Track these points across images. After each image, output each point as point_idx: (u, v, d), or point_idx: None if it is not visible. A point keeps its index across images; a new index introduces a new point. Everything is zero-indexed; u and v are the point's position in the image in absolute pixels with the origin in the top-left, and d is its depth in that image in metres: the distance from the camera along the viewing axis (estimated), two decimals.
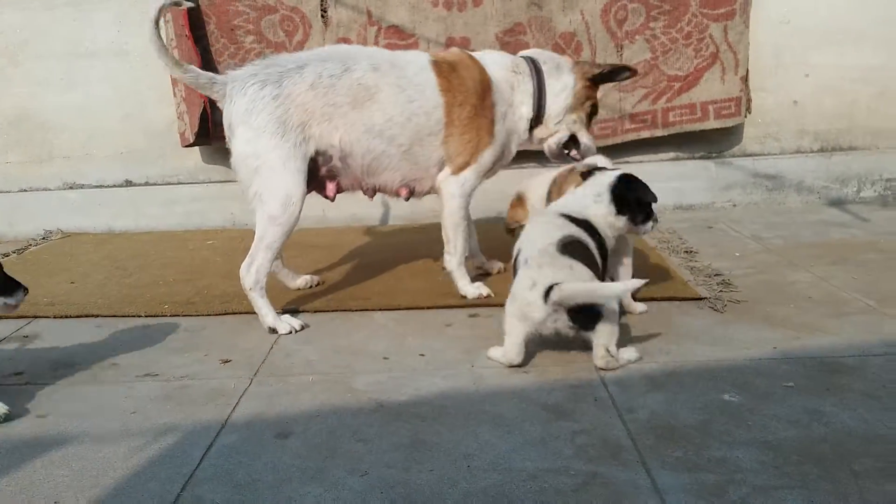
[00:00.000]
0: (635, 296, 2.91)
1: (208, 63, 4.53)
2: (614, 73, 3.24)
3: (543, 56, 3.25)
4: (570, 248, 2.44)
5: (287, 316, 2.91)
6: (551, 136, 3.24)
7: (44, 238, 4.75)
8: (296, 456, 1.95)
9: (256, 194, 2.84)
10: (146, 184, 4.91)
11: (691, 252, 3.77)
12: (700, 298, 3.00)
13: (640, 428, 2.00)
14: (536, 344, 2.62)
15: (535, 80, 3.16)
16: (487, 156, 3.07)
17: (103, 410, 2.28)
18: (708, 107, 4.58)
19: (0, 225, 4.90)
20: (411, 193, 3.14)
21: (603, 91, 3.49)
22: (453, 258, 3.14)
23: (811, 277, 3.25)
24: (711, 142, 4.75)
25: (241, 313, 3.05)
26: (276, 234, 2.85)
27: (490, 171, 3.21)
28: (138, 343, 2.85)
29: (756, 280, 3.26)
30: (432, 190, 3.15)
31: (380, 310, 3.08)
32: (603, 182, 2.69)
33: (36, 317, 3.18)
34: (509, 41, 4.54)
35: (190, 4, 3.09)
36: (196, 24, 4.51)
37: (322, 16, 4.54)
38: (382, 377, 2.42)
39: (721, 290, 3.09)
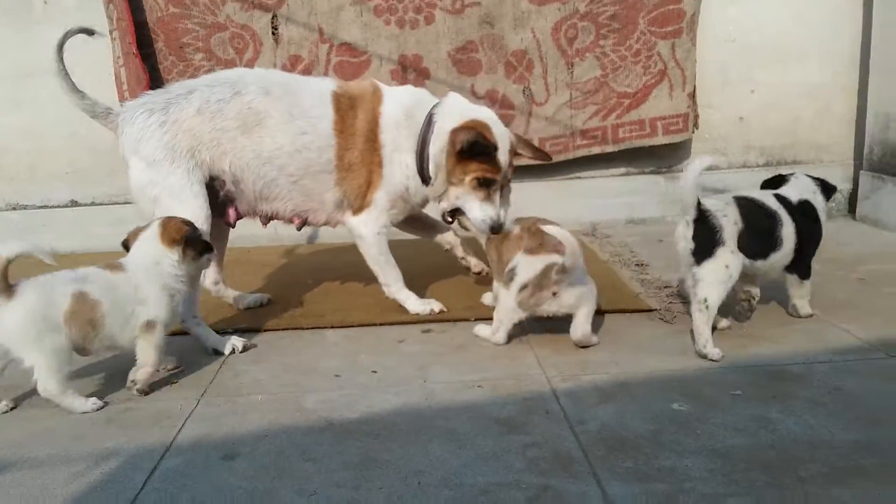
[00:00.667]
0: None
1: (157, 81, 4.46)
2: (481, 147, 2.79)
3: (444, 112, 2.91)
4: None
5: (234, 337, 2.85)
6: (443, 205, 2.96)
7: None
8: (242, 477, 1.91)
9: None
10: (92, 203, 4.81)
11: (642, 265, 3.81)
12: (650, 310, 3.03)
13: (590, 439, 2.00)
14: (489, 358, 2.62)
15: (422, 131, 2.90)
16: (381, 198, 2.96)
17: (45, 436, 2.20)
18: (656, 123, 4.66)
19: None
20: (304, 223, 3.07)
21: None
22: (390, 287, 3.12)
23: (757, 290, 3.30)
24: (661, 157, 4.83)
25: (188, 334, 2.98)
26: None
27: (400, 211, 3.04)
28: (83, 365, 2.76)
29: None
30: (329, 222, 3.08)
31: (332, 327, 3.04)
32: None
33: None
34: (461, 59, 4.57)
35: (100, 35, 3.00)
36: (144, 41, 4.45)
37: (273, 33, 4.51)
38: (334, 395, 2.38)
39: (671, 302, 3.13)
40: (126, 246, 2.54)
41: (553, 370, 2.48)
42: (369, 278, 3.43)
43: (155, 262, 2.45)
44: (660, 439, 1.99)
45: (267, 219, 3.04)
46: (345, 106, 2.92)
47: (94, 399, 2.37)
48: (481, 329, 2.81)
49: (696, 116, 4.71)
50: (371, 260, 3.07)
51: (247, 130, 2.80)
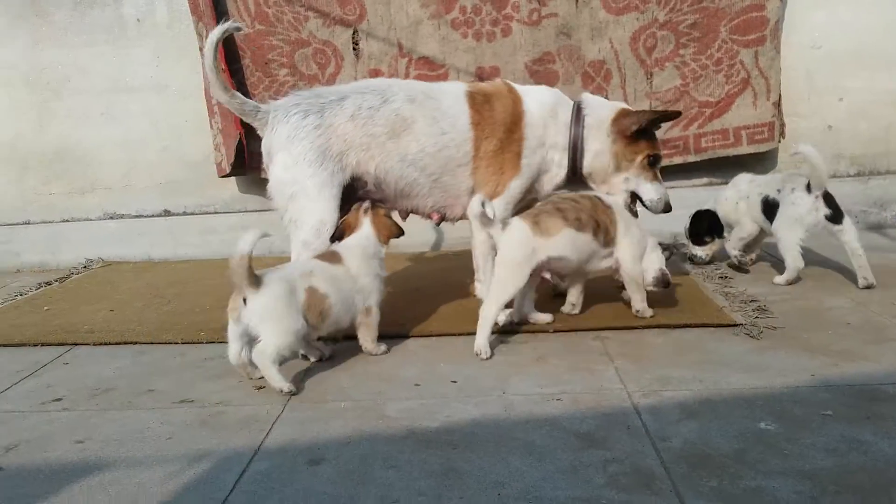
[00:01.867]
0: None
1: (244, 96, 4.61)
2: (656, 122, 3.22)
3: (592, 106, 3.21)
4: None
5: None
6: (611, 192, 3.24)
7: (85, 267, 4.88)
8: (327, 483, 1.96)
9: (291, 220, 2.94)
10: (184, 213, 5.02)
11: (726, 278, 3.73)
12: (735, 325, 2.96)
13: (673, 456, 1.97)
14: (568, 370, 2.61)
15: (571, 133, 3.17)
16: (514, 187, 3.10)
17: (140, 436, 2.32)
18: (741, 132, 4.55)
19: (43, 254, 5.04)
20: (443, 218, 3.22)
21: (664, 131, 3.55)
22: (484, 286, 3.15)
23: (849, 303, 3.19)
24: (745, 166, 4.68)
25: None
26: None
27: (522, 201, 3.20)
28: (175, 369, 2.89)
29: (793, 306, 3.21)
30: (465, 216, 3.15)
31: (412, 336, 3.09)
32: None
33: (76, 344, 3.25)
34: (538, 70, 4.58)
35: (244, 28, 3.23)
36: (232, 58, 4.63)
37: (354, 49, 4.62)
38: (414, 404, 2.42)
39: (757, 317, 3.05)
40: (339, 237, 2.89)
41: (633, 385, 2.46)
42: (449, 287, 3.47)
43: (371, 255, 2.84)
44: (745, 458, 1.95)
45: (406, 214, 3.22)
46: (479, 102, 3.08)
47: (289, 384, 2.53)
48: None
49: (783, 125, 4.59)
50: (481, 251, 3.16)
51: (394, 135, 2.98)
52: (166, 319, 3.52)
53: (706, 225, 3.99)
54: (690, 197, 4.71)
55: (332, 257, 2.79)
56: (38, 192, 5.09)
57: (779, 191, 3.58)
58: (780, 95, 4.54)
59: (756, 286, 3.54)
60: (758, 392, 2.35)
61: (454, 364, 2.76)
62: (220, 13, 4.59)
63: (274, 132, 2.94)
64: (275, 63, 4.67)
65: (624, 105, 3.30)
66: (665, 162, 4.57)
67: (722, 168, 4.69)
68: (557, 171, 3.22)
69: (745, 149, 4.56)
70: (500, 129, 3.06)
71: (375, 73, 4.64)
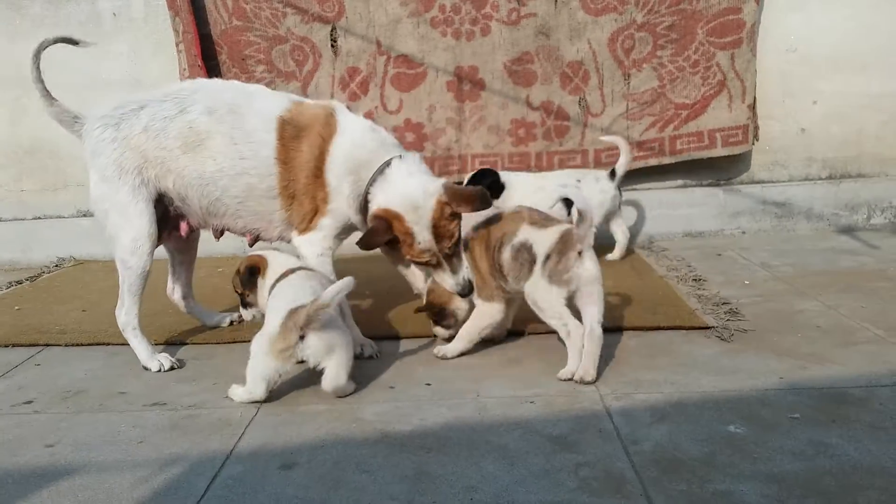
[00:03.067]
0: None
1: None
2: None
3: (386, 182, 2.78)
4: None
5: (163, 354, 2.94)
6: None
7: (57, 265, 4.83)
8: (300, 487, 1.96)
9: (110, 238, 2.87)
10: None
11: (699, 280, 3.76)
12: (707, 327, 3.00)
13: (644, 460, 1.99)
14: (542, 373, 2.63)
15: (362, 195, 2.82)
16: (326, 225, 2.87)
17: (111, 440, 2.30)
18: (715, 134, 4.60)
19: (14, 252, 4.97)
20: (257, 239, 3.05)
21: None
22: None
23: (819, 306, 3.24)
24: (719, 169, 4.77)
25: (250, 341, 3.07)
26: (130, 277, 2.87)
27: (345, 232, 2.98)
28: (147, 371, 2.87)
29: (764, 308, 3.25)
30: (283, 238, 3.01)
31: (388, 338, 3.09)
32: None
33: (47, 345, 3.22)
34: (517, 70, 4.59)
35: (88, 44, 3.04)
36: (208, 54, 4.59)
37: (332, 46, 4.61)
38: (389, 407, 2.43)
39: (728, 319, 3.08)
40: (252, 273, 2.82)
41: (606, 388, 2.48)
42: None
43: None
44: (714, 462, 1.97)
45: (219, 232, 3.04)
46: (289, 136, 2.80)
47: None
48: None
49: (756, 128, 4.64)
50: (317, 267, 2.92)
51: (188, 150, 2.79)
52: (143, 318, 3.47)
53: None
54: (665, 199, 4.78)
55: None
56: (10, 188, 5.02)
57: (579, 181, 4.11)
58: (754, 98, 4.58)
59: (728, 289, 3.57)
60: (728, 395, 2.38)
61: (429, 366, 2.76)
62: (197, 8, 4.56)
63: (84, 145, 2.87)
64: (252, 59, 4.64)
65: (396, 202, 2.75)
66: (640, 164, 4.65)
67: (696, 170, 4.75)
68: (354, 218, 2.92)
69: (719, 151, 4.61)
70: (303, 171, 2.81)
71: (353, 71, 4.63)
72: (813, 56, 4.63)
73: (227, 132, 2.79)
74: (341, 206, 2.85)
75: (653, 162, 4.65)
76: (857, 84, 4.65)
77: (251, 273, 2.78)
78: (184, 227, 3.01)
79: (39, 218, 5.03)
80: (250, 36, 4.61)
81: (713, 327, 2.99)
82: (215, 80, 3.07)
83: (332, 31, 4.59)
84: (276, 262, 2.79)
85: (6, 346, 3.23)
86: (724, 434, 2.12)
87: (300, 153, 2.81)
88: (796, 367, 2.59)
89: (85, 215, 5.01)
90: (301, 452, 2.14)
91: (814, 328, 2.99)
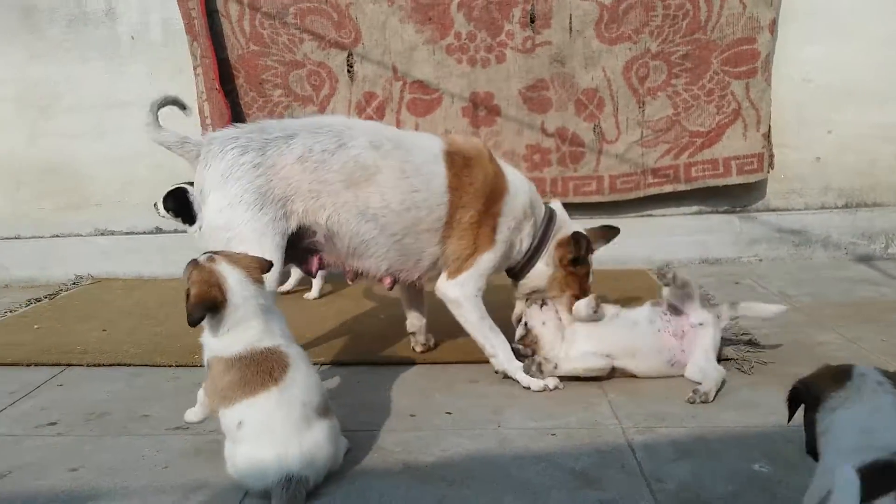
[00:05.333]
0: None
1: (238, 116, 4.65)
2: (591, 246, 3.07)
3: (562, 217, 3.12)
4: None
5: None
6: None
7: (74, 283, 4.85)
8: None
9: None
10: (175, 231, 4.97)
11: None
12: (726, 359, 3.00)
13: (668, 498, 2.00)
14: (562, 403, 2.63)
15: (537, 239, 3.01)
16: (486, 261, 2.85)
17: (135, 464, 2.31)
18: (730, 162, 4.62)
19: (32, 269, 5.01)
20: (395, 282, 2.92)
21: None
22: (497, 358, 2.88)
23: (839, 339, 3.24)
24: (735, 196, 4.78)
25: None
26: None
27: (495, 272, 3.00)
28: (169, 393, 2.88)
29: (784, 340, 3.24)
30: (419, 281, 2.96)
31: (406, 364, 3.10)
32: None
33: (69, 365, 3.24)
34: (532, 96, 4.62)
35: (187, 111, 2.79)
36: (226, 78, 4.64)
37: (348, 71, 4.65)
38: (409, 436, 2.43)
39: (748, 351, 3.08)
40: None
41: (628, 420, 2.48)
42: (442, 315, 3.49)
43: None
44: (738, 502, 1.97)
45: (354, 275, 2.87)
46: (458, 164, 2.79)
47: None
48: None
49: (772, 156, 4.65)
50: (470, 328, 2.88)
51: (352, 185, 2.63)
52: (159, 341, 3.51)
53: None
54: (681, 224, 4.79)
55: None
56: (29, 206, 5.07)
57: None
58: (769, 127, 4.60)
59: (747, 319, 3.55)
60: (750, 431, 2.38)
61: (449, 394, 2.77)
62: (215, 33, 4.61)
63: (207, 168, 2.57)
64: (269, 84, 4.69)
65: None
66: (655, 190, 4.67)
67: (712, 197, 4.76)
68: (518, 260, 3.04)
69: (734, 179, 4.62)
70: (479, 199, 2.80)
71: (370, 96, 4.67)
72: (828, 86, 4.65)
73: (397, 166, 2.68)
74: (507, 239, 2.90)
75: (668, 189, 4.66)
76: (871, 115, 4.67)
77: None
78: (314, 263, 2.78)
79: (58, 236, 5.06)
80: (267, 61, 4.66)
81: (733, 359, 2.99)
82: (354, 119, 3.04)
83: (348, 56, 4.64)
84: None
85: (28, 365, 3.25)
86: (749, 473, 2.12)
87: (472, 178, 2.80)
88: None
89: (102, 234, 5.06)
90: (325, 482, 2.14)
91: (834, 361, 2.96)
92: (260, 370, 2.07)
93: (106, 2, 4.85)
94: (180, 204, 3.98)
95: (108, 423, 2.64)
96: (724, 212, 4.81)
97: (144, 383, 3.01)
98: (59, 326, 3.84)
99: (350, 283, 2.98)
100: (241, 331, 2.11)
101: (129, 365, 3.23)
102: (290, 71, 4.68)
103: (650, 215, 4.79)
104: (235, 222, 2.53)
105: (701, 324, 2.86)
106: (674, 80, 4.58)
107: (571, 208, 4.65)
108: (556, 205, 3.17)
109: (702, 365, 2.78)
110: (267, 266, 2.24)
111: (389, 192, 2.67)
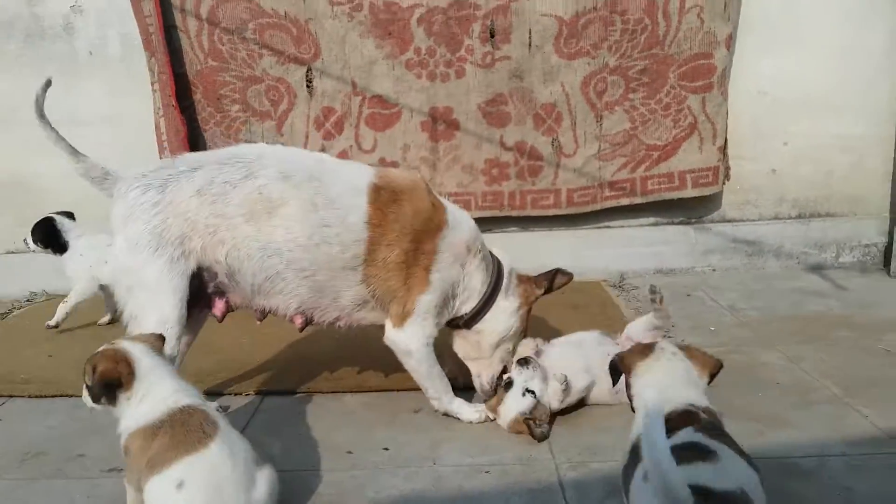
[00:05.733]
0: None
1: (195, 132, 4.62)
2: (554, 283, 2.96)
3: (507, 263, 2.91)
4: None
5: None
6: (482, 368, 2.90)
7: (28, 300, 4.81)
8: None
9: (131, 316, 2.53)
10: None
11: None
12: None
13: None
14: (500, 435, 2.65)
15: (492, 277, 2.82)
16: (424, 304, 2.66)
17: None
18: (686, 175, 4.64)
19: None
20: (308, 322, 2.75)
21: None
22: (441, 401, 2.80)
23: (782, 359, 3.27)
24: (690, 208, 4.81)
25: (217, 393, 3.08)
26: None
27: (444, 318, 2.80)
28: (108, 427, 2.82)
29: (728, 360, 3.12)
30: (338, 321, 2.76)
31: (350, 392, 3.10)
32: None
33: (11, 396, 3.21)
34: (491, 111, 4.62)
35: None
36: (184, 93, 4.60)
37: (307, 86, 4.62)
38: (344, 476, 2.44)
39: None
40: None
41: (562, 455, 2.50)
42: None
43: None
44: None
45: (263, 315, 2.75)
46: (384, 199, 2.62)
47: None
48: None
49: (728, 168, 4.68)
50: (419, 376, 2.77)
51: (253, 218, 2.51)
52: None
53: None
54: (637, 236, 4.82)
55: None
56: None
57: None
58: (725, 140, 4.63)
59: (694, 335, 3.60)
60: None
61: (389, 427, 2.78)
62: (173, 49, 4.56)
63: (114, 208, 2.53)
64: (227, 99, 4.65)
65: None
66: (612, 203, 4.69)
67: (668, 208, 4.79)
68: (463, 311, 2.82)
69: (689, 192, 4.65)
70: (406, 236, 2.62)
71: (328, 111, 4.64)
72: (784, 98, 4.68)
73: (308, 198, 2.53)
74: (447, 279, 2.70)
75: (624, 202, 4.69)
76: (827, 126, 4.70)
77: None
78: (220, 306, 2.69)
79: (12, 252, 5.01)
80: (226, 76, 4.62)
81: None
82: (279, 146, 2.84)
83: (307, 72, 4.60)
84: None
85: None
86: None
87: (400, 212, 2.62)
88: (754, 431, 2.61)
89: None
90: None
91: (773, 385, 3.02)
92: (190, 428, 2.02)
93: (63, 17, 4.79)
94: (47, 234, 4.02)
95: (43, 464, 2.61)
96: (680, 223, 4.85)
97: (85, 416, 2.94)
98: (5, 351, 3.80)
99: (258, 322, 2.83)
100: (157, 394, 2.09)
101: (73, 396, 3.17)
102: (248, 86, 4.64)
103: (607, 227, 4.81)
104: (135, 266, 2.48)
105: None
106: (631, 95, 4.59)
107: (530, 222, 4.72)
108: (496, 250, 2.95)
109: None
110: (162, 339, 2.29)
111: (296, 225, 2.53)
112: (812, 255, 4.80)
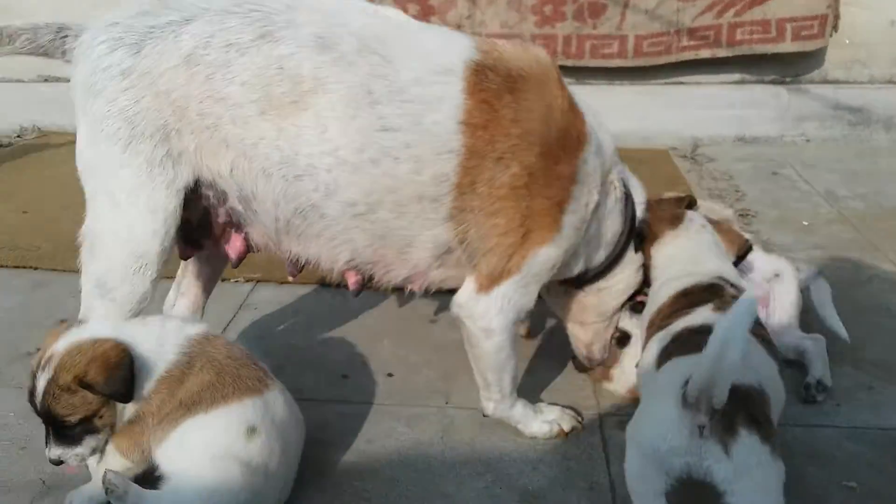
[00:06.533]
0: None
1: None
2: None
3: (639, 194, 1.99)
4: None
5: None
6: (595, 335, 2.04)
7: (19, 136, 4.36)
8: None
9: (84, 237, 1.72)
10: None
11: (747, 215, 3.13)
12: None
13: None
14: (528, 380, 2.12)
15: (627, 221, 1.93)
16: (541, 260, 1.73)
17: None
18: (785, 25, 3.78)
19: None
20: (364, 283, 1.86)
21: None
22: (499, 403, 1.87)
23: (894, 272, 2.62)
24: (785, 64, 4.00)
25: None
26: (104, 314, 1.69)
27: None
28: (69, 313, 2.38)
29: (827, 272, 2.60)
30: (411, 282, 1.85)
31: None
32: None
33: None
34: None
35: None
36: None
37: None
38: (332, 413, 1.96)
39: None
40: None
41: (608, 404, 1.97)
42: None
43: None
44: None
45: (297, 266, 1.85)
46: (494, 84, 1.67)
47: None
48: None
49: (837, 17, 3.78)
50: (487, 364, 1.82)
51: (273, 110, 1.61)
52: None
53: None
54: (720, 96, 4.04)
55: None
56: None
57: None
58: None
59: (781, 232, 3.00)
60: None
61: (397, 341, 2.29)
62: None
63: (74, 73, 1.68)
64: None
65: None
66: (690, 55, 3.89)
67: (757, 63, 3.99)
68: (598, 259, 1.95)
69: (786, 46, 3.83)
70: (533, 146, 1.69)
71: None
72: None
73: (363, 83, 1.61)
74: (581, 225, 1.81)
75: (705, 53, 3.89)
76: None
77: None
78: (237, 243, 1.82)
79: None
80: None
81: None
82: None
83: None
84: None
85: None
86: None
87: (522, 107, 1.68)
88: (860, 388, 2.02)
89: (47, 80, 4.43)
90: None
91: (885, 311, 2.39)
92: (242, 360, 1.63)
93: None
94: None
95: None
96: (771, 81, 4.07)
97: (45, 297, 2.57)
98: None
99: (291, 279, 1.98)
100: (172, 331, 1.63)
101: (36, 268, 2.76)
102: None
103: (681, 83, 4.06)
104: (96, 169, 1.66)
105: (777, 275, 2.17)
106: None
107: (586, 73, 3.95)
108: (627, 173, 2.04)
109: (797, 336, 2.08)
110: None
111: (338, 128, 1.61)
112: None
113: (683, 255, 1.82)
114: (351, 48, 1.61)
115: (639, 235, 1.91)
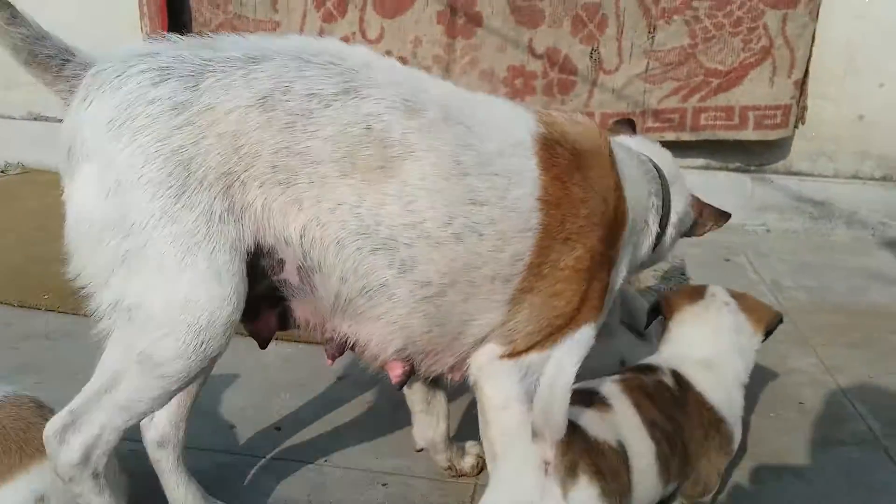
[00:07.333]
0: None
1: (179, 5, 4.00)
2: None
3: (664, 159, 2.00)
4: None
5: None
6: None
7: (2, 171, 4.48)
8: None
9: (119, 305, 1.36)
10: None
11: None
12: None
13: None
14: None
15: (661, 198, 1.89)
16: (587, 335, 1.39)
17: None
18: (748, 112, 3.82)
19: None
20: (410, 373, 1.65)
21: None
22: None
23: (816, 368, 2.59)
24: (751, 153, 4.02)
25: None
26: (148, 389, 1.41)
27: None
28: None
29: None
30: (451, 372, 1.67)
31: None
32: None
33: None
34: (522, 6, 3.86)
35: None
36: None
37: None
38: (212, 464, 1.94)
39: None
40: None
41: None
42: None
43: None
44: None
45: (340, 349, 1.62)
46: (562, 162, 1.57)
47: None
48: None
49: (804, 109, 3.84)
50: (502, 437, 1.61)
51: (356, 172, 1.41)
52: (20, 266, 3.07)
53: None
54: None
55: None
56: None
57: None
58: (805, 72, 3.77)
59: None
60: None
61: (300, 390, 2.26)
62: None
63: (87, 107, 1.35)
64: None
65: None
66: (655, 137, 3.91)
67: (722, 150, 4.01)
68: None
69: (748, 134, 3.86)
70: (595, 228, 1.59)
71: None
72: (888, 26, 3.74)
73: (450, 152, 1.46)
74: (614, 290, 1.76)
75: (669, 136, 3.92)
76: None
77: None
78: (271, 321, 1.56)
79: None
80: None
81: None
82: (381, 57, 1.54)
83: None
84: None
85: None
86: None
87: (585, 188, 1.58)
88: (747, 472, 2.01)
89: (36, 118, 4.58)
90: None
91: (796, 405, 2.37)
92: (31, 420, 1.51)
93: None
94: None
95: None
96: (735, 170, 4.08)
97: (14, 336, 2.58)
98: None
99: (329, 362, 1.68)
100: None
101: (6, 304, 2.80)
102: None
103: None
104: (138, 218, 1.32)
105: None
106: (695, 3, 3.74)
107: None
108: (649, 145, 2.05)
109: None
110: None
111: (426, 198, 1.44)
112: (892, 228, 3.98)
113: (696, 339, 1.77)
114: (437, 115, 1.47)
115: (653, 309, 1.87)
